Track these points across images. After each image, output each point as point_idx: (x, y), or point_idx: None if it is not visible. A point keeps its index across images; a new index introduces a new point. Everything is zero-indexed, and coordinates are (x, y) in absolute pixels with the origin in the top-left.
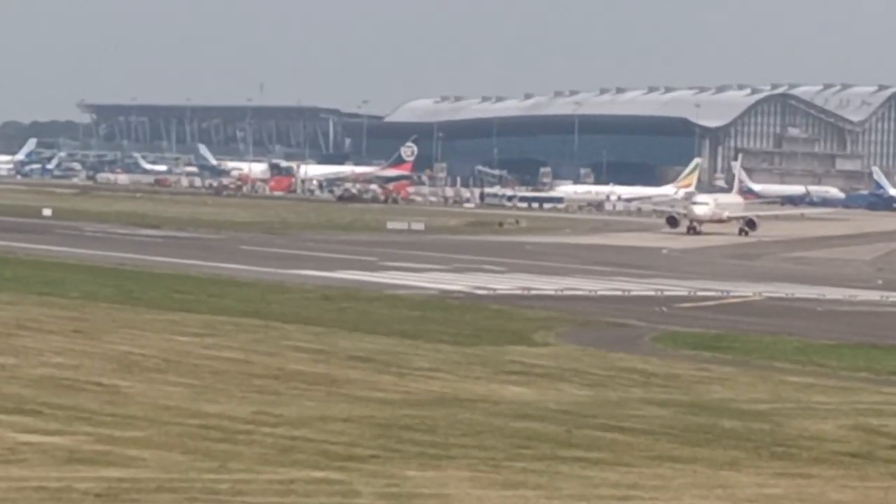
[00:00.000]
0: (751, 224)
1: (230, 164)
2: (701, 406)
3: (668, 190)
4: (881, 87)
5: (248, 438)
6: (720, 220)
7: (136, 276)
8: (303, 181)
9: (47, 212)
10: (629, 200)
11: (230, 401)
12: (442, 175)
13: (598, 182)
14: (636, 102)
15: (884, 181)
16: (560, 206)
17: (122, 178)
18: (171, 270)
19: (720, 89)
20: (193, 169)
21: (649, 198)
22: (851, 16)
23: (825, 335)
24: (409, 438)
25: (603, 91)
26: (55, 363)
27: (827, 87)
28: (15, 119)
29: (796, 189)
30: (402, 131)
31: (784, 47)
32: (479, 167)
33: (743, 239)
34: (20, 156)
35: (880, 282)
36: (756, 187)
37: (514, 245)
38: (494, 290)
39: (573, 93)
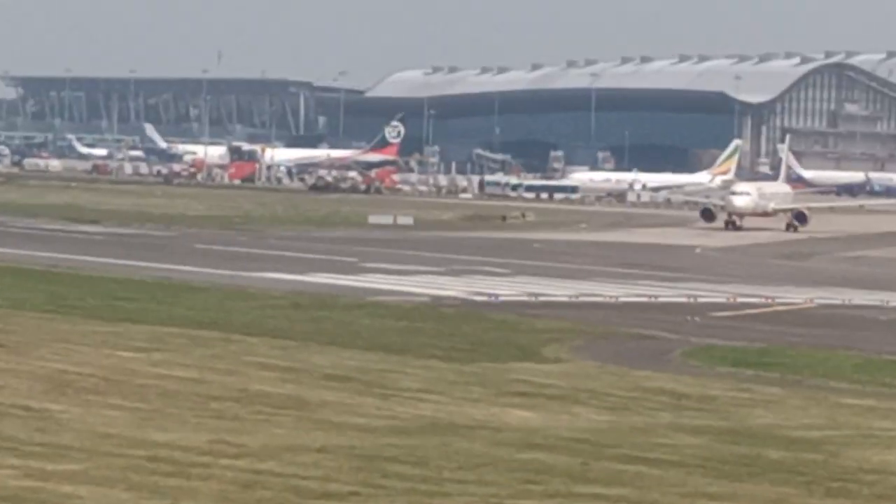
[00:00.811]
0: (801, 217)
1: (182, 148)
2: (742, 433)
3: (702, 177)
4: None
5: (204, 472)
6: (764, 214)
7: (71, 281)
8: (268, 167)
9: None
10: (656, 190)
11: (183, 428)
12: (434, 160)
13: (618, 168)
14: (664, 74)
15: None
16: (574, 196)
17: (55, 164)
18: (113, 273)
19: (764, 58)
20: (139, 153)
21: (680, 187)
22: None
23: (889, 349)
24: (396, 472)
25: (625, 60)
26: None
27: (891, 55)
28: None
29: (855, 176)
30: (387, 108)
31: (840, 8)
32: (478, 151)
33: (791, 235)
34: None
35: None
36: (807, 174)
37: (519, 243)
38: (496, 296)
39: (589, 63)
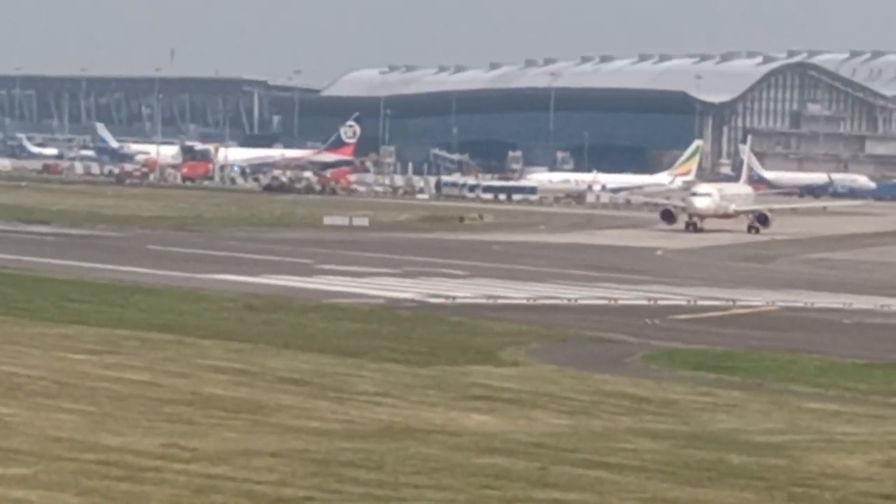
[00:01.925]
0: (762, 219)
1: (134, 147)
2: (703, 438)
3: (662, 178)
4: None
5: (156, 477)
6: (726, 215)
7: (20, 282)
8: (222, 167)
9: None
10: (616, 191)
11: (135, 431)
12: (390, 160)
13: (578, 169)
14: (625, 73)
15: None
16: (533, 197)
17: (5, 164)
18: (64, 275)
19: (726, 58)
20: (90, 153)
21: (640, 188)
22: None
23: (852, 353)
24: (351, 477)
25: (585, 60)
26: None
27: (854, 55)
28: None
29: (817, 177)
30: (342, 108)
31: (803, 8)
32: (435, 151)
33: (753, 237)
34: None
35: None
36: (769, 175)
37: (477, 245)
38: (454, 298)
39: (548, 62)
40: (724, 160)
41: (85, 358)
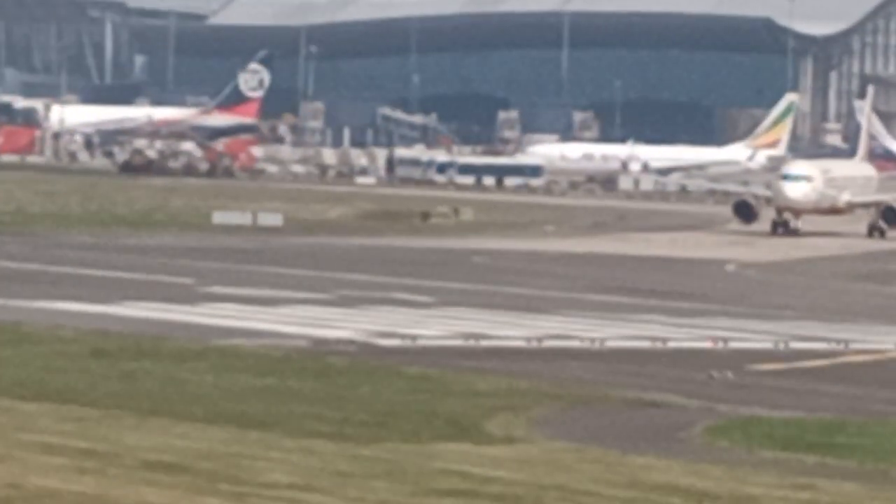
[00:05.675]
0: (891, 216)
1: None
2: None
3: (736, 153)
4: None
5: None
6: (834, 210)
7: None
8: (56, 135)
9: None
10: (664, 172)
11: None
12: (316, 125)
13: (606, 138)
14: None
15: None
16: (536, 182)
17: None
18: None
19: None
20: None
21: (702, 167)
22: None
23: None
24: None
25: None
26: None
27: None
28: None
29: None
30: (241, 43)
31: None
32: (385, 110)
33: (877, 244)
34: None
35: None
36: None
37: (450, 255)
38: (414, 339)
39: None
40: (831, 125)
41: None
